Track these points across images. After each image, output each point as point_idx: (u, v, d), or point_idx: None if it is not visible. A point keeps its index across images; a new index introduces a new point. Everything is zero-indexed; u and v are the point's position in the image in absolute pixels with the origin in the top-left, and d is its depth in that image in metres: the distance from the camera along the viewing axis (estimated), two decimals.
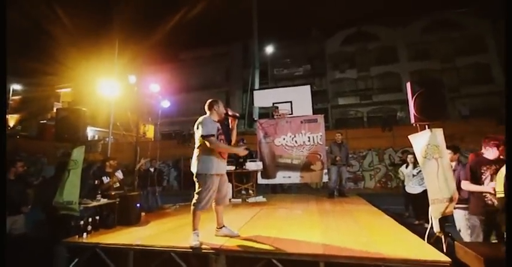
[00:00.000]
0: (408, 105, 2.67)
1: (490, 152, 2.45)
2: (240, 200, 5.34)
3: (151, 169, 6.08)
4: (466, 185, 2.51)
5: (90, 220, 3.10)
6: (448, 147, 2.66)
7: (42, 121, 18.25)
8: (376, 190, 10.68)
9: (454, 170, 2.70)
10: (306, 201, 5.19)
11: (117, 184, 3.88)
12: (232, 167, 5.73)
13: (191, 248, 2.29)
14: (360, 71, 19.71)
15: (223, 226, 2.69)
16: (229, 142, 2.68)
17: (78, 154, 3.12)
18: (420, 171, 4.47)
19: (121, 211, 3.32)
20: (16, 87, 22.91)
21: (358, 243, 2.32)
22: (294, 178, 6.46)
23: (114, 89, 4.77)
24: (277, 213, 4.03)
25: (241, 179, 6.10)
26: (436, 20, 18.28)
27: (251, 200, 5.28)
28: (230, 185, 5.54)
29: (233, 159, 6.10)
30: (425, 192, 2.60)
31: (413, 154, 4.96)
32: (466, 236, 2.52)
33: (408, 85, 2.49)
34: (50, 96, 22.55)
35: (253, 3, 15.33)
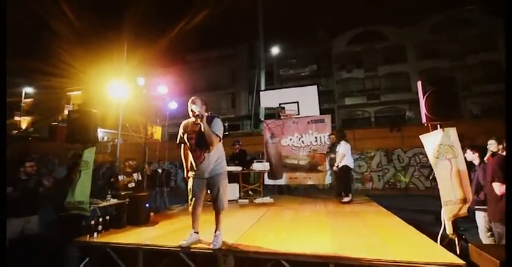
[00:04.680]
0: (419, 104, 2.62)
1: None
2: (247, 200, 5.34)
3: (159, 170, 6.15)
4: (499, 187, 2.23)
5: (100, 219, 3.15)
6: (469, 147, 2.59)
7: (53, 123, 18.70)
8: (385, 191, 10.51)
9: (474, 172, 2.59)
10: (314, 202, 5.15)
11: (133, 184, 3.94)
12: (239, 168, 5.74)
13: (179, 246, 2.32)
14: (367, 71, 19.47)
15: (216, 231, 2.43)
16: (203, 146, 2.35)
17: (89, 155, 3.18)
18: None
19: (131, 211, 3.36)
20: (28, 90, 23.55)
21: (368, 245, 2.28)
22: (300, 178, 6.42)
23: (123, 91, 4.86)
24: (284, 214, 4.01)
25: (248, 180, 6.10)
26: (444, 19, 17.93)
27: (258, 200, 5.27)
28: (237, 185, 5.56)
29: (237, 160, 6.11)
30: None
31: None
32: (485, 238, 2.44)
33: (419, 83, 2.44)
34: (61, 99, 23.10)
35: (258, 4, 15.37)
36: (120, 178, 3.89)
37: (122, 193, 3.74)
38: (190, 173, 2.51)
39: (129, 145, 12.53)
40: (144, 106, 5.80)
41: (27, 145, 13.63)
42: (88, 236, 2.86)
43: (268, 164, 6.01)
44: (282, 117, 6.79)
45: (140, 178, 4.10)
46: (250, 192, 6.13)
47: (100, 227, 3.10)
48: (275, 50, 17.82)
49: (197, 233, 2.52)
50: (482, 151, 2.84)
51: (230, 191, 5.48)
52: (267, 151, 6.69)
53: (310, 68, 20.50)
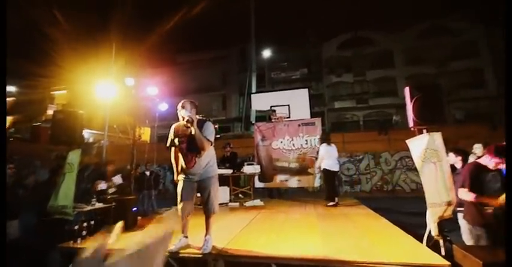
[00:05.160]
0: (406, 109, 2.70)
1: (492, 162, 2.26)
2: (237, 204, 5.30)
3: (147, 173, 6.02)
4: (465, 194, 2.29)
5: (85, 224, 3.04)
6: (452, 150, 2.67)
7: (36, 124, 18.00)
8: (373, 194, 10.71)
9: (457, 174, 2.66)
10: (304, 205, 5.17)
11: (112, 189, 3.82)
12: (230, 171, 5.70)
13: (168, 251, 2.26)
14: (356, 75, 19.91)
15: (206, 235, 2.39)
16: (194, 150, 2.32)
17: (74, 157, 3.08)
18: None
19: (117, 215, 3.27)
20: (10, 88, 22.59)
21: (358, 247, 2.31)
22: (291, 181, 6.45)
23: (110, 91, 4.74)
24: (275, 217, 4.00)
25: (238, 183, 6.07)
26: (430, 26, 18.62)
27: (249, 204, 5.24)
28: (227, 189, 5.52)
29: (228, 162, 6.08)
30: None
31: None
32: (468, 240, 2.50)
33: (407, 89, 2.52)
34: (44, 98, 22.27)
35: (250, 7, 15.47)
36: (101, 185, 3.76)
37: (108, 197, 3.63)
38: (180, 176, 2.47)
39: (116, 146, 12.22)
40: (133, 107, 5.68)
41: (8, 146, 13.06)
42: (72, 241, 2.75)
43: (259, 167, 6.01)
44: (273, 120, 6.81)
45: (121, 181, 3.98)
46: (240, 195, 6.09)
47: (84, 232, 2.99)
48: (267, 53, 17.95)
49: (186, 237, 2.48)
50: (464, 154, 2.93)
51: (220, 194, 5.43)
52: (257, 154, 6.69)
53: (301, 72, 20.75)
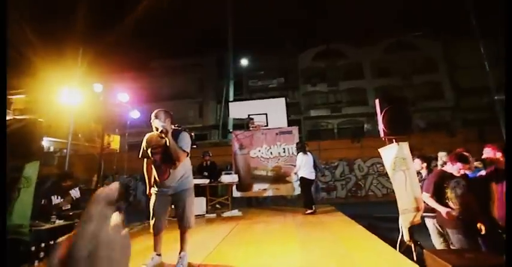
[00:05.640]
0: (376, 120, 2.84)
1: (455, 168, 2.37)
2: (214, 215, 5.15)
3: None
4: (427, 199, 2.44)
5: (43, 245, 2.74)
6: (418, 156, 2.83)
7: None
8: (348, 199, 11.05)
9: (423, 180, 2.82)
10: (282, 213, 5.17)
11: (68, 206, 3.48)
12: (206, 181, 5.55)
13: None
14: (330, 85, 20.83)
15: (181, 252, 2.25)
16: (168, 161, 2.20)
17: (31, 170, 2.78)
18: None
19: None
20: None
21: (335, 255, 2.33)
22: (269, 190, 6.43)
23: (76, 97, 4.41)
24: (253, 228, 3.93)
25: (215, 193, 5.91)
26: (396, 42, 20.23)
27: (226, 214, 5.11)
28: (204, 199, 5.34)
29: (207, 171, 5.93)
30: None
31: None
32: (438, 244, 2.64)
33: (377, 102, 2.66)
34: None
35: (228, 14, 15.63)
36: (55, 200, 3.42)
37: (70, 213, 3.30)
38: (153, 190, 2.32)
39: (80, 156, 11.30)
40: (101, 114, 5.33)
41: None
42: (27, 265, 2.45)
43: (236, 176, 5.92)
44: (251, 128, 6.81)
45: (79, 195, 3.64)
46: (218, 205, 5.93)
47: (42, 254, 2.69)
48: (244, 61, 18.13)
49: (159, 255, 2.32)
50: (429, 161, 3.15)
51: (197, 205, 5.24)
52: (235, 163, 6.60)
53: (278, 80, 21.24)
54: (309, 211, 4.82)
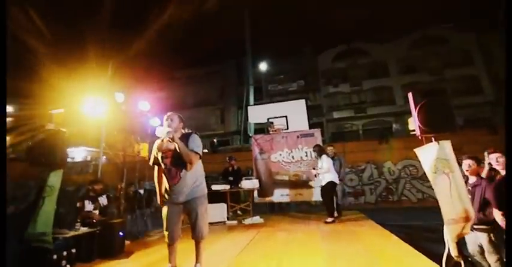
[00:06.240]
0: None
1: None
2: (235, 221, 4.99)
3: (141, 191, 5.73)
4: (498, 216, 2.03)
5: (65, 253, 2.76)
6: (468, 157, 2.41)
7: (30, 143, 17.72)
8: (378, 205, 10.31)
9: (475, 186, 2.38)
10: (306, 221, 4.86)
11: (97, 212, 3.53)
12: (227, 186, 5.43)
13: None
14: (353, 85, 20.00)
15: (196, 264, 2.16)
16: (179, 164, 2.11)
17: (54, 179, 2.84)
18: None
19: (102, 241, 2.98)
20: (8, 108, 22.59)
21: None
22: (292, 195, 6.14)
23: (101, 107, 4.59)
24: (276, 237, 3.70)
25: (237, 199, 5.77)
26: (422, 35, 18.98)
27: (247, 221, 4.93)
28: (225, 205, 5.22)
29: (222, 178, 5.83)
30: None
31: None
32: (492, 263, 2.22)
33: (410, 95, 2.34)
34: (41, 117, 22.15)
35: (245, 21, 15.77)
36: (88, 206, 3.47)
37: (94, 221, 3.34)
38: (164, 199, 2.22)
39: (113, 164, 11.88)
40: (128, 123, 5.48)
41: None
42: None
43: (257, 181, 5.73)
44: (270, 132, 6.62)
45: (106, 203, 3.68)
46: (239, 212, 5.78)
47: (64, 262, 2.71)
48: (263, 66, 18.10)
49: None
50: (479, 162, 2.68)
51: (217, 211, 5.14)
52: (256, 168, 6.43)
53: (297, 83, 20.87)
54: (329, 220, 4.43)
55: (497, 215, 2.06)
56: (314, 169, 4.90)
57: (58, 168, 2.89)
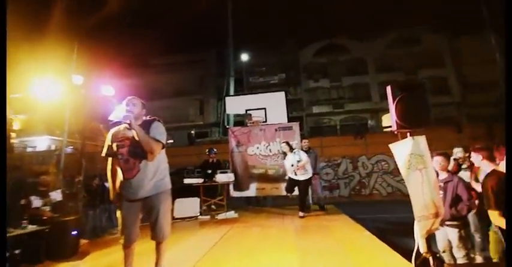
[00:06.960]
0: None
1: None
2: (208, 217, 4.81)
3: (107, 184, 5.31)
4: (497, 220, 1.83)
5: (7, 255, 2.41)
6: (439, 154, 2.42)
7: None
8: (351, 198, 10.66)
9: (447, 182, 2.39)
10: (281, 216, 4.81)
11: (48, 208, 3.15)
12: (200, 180, 5.21)
13: None
14: (333, 81, 20.32)
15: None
16: (138, 155, 1.86)
17: None
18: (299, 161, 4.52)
19: (52, 240, 2.65)
20: None
21: None
22: (268, 189, 6.06)
23: (57, 90, 4.10)
24: (249, 232, 3.58)
25: (211, 193, 5.57)
26: (399, 36, 19.63)
27: (221, 216, 4.77)
28: (197, 200, 5.02)
29: (200, 170, 5.61)
30: None
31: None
32: (460, 256, 2.26)
33: (388, 89, 2.26)
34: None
35: (228, 10, 15.19)
36: (35, 202, 3.08)
37: (45, 217, 2.97)
38: (122, 196, 1.93)
39: (79, 154, 11.05)
40: (90, 109, 5.00)
41: None
42: None
43: (232, 175, 5.56)
44: (248, 124, 6.43)
45: (60, 199, 3.31)
46: (213, 206, 5.59)
47: (7, 265, 2.36)
48: (245, 57, 17.71)
49: None
50: (449, 159, 2.72)
51: (190, 206, 4.92)
52: (232, 161, 6.24)
53: (279, 76, 20.77)
54: (301, 214, 4.41)
55: (493, 215, 1.87)
56: (292, 165, 4.75)
57: None
